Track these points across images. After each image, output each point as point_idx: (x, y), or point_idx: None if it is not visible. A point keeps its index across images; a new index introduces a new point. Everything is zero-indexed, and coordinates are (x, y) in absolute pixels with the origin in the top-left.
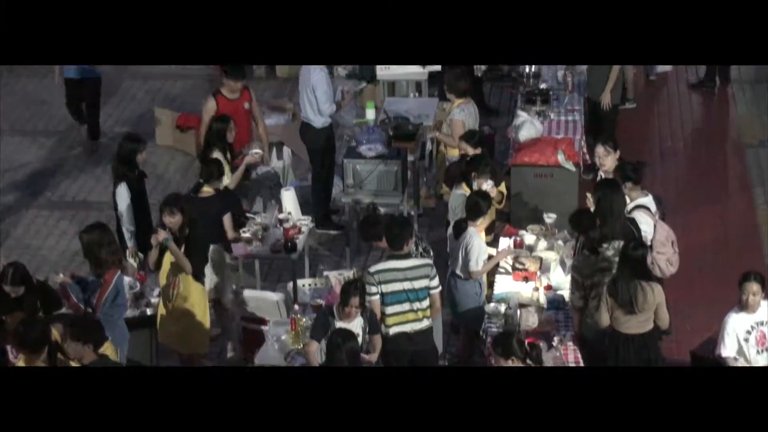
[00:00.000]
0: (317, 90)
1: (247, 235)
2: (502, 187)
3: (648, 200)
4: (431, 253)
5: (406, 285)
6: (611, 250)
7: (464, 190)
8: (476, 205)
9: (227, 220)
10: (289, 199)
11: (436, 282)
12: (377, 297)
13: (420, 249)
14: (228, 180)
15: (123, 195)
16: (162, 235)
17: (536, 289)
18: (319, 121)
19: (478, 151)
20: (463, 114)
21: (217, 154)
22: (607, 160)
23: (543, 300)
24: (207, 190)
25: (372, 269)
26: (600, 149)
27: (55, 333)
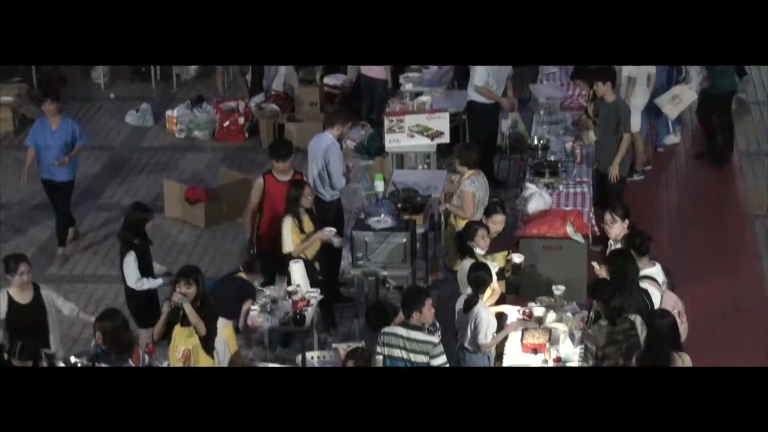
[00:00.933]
0: (331, 164)
1: (256, 308)
2: (517, 258)
3: (655, 270)
4: (437, 327)
5: (404, 355)
6: (626, 322)
7: (472, 261)
8: (477, 277)
9: (246, 306)
10: (297, 271)
11: (437, 361)
12: (380, 358)
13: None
14: (291, 247)
15: (131, 265)
16: (177, 296)
17: (545, 361)
18: (328, 194)
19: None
20: (474, 186)
21: (290, 221)
22: (614, 228)
23: None
24: (240, 276)
25: (383, 329)
26: (607, 216)
27: None
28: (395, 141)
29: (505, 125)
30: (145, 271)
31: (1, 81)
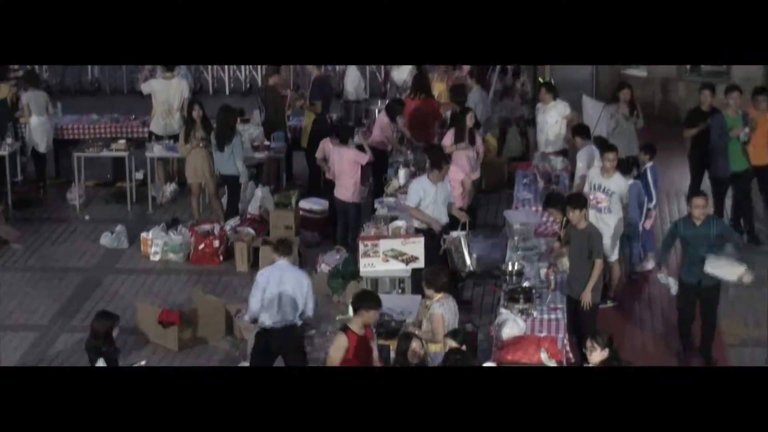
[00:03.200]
0: (309, 297)
1: None
2: None
3: None
4: None
5: None
6: None
7: None
8: None
9: None
10: None
11: None
12: None
13: None
14: None
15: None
16: None
17: None
18: (299, 322)
19: (463, 347)
20: (443, 308)
21: None
22: (594, 355)
23: None
24: None
25: None
26: (588, 342)
27: None
28: (370, 265)
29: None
30: None
31: None
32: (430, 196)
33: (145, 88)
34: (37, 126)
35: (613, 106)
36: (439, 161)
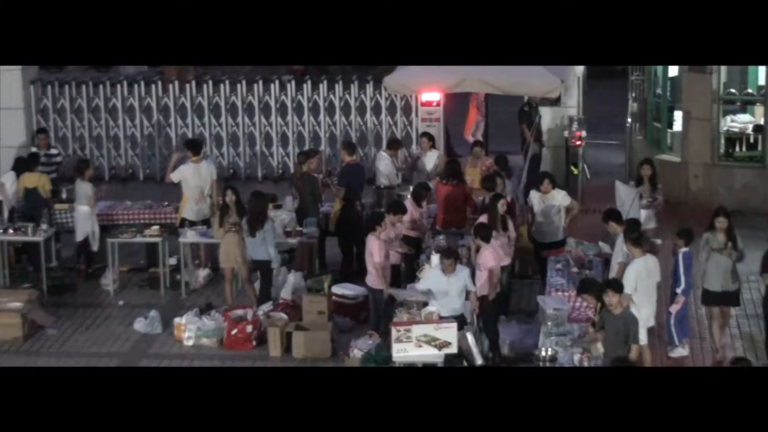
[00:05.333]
0: None
1: None
2: None
3: None
4: None
5: None
6: None
7: None
8: None
9: None
10: None
11: None
12: None
13: None
14: None
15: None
16: None
17: None
18: None
19: None
20: None
21: None
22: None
23: None
24: None
25: None
26: None
27: None
28: (403, 351)
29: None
30: None
31: (11, 287)
32: (441, 285)
33: (175, 176)
34: (80, 216)
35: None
36: (449, 251)
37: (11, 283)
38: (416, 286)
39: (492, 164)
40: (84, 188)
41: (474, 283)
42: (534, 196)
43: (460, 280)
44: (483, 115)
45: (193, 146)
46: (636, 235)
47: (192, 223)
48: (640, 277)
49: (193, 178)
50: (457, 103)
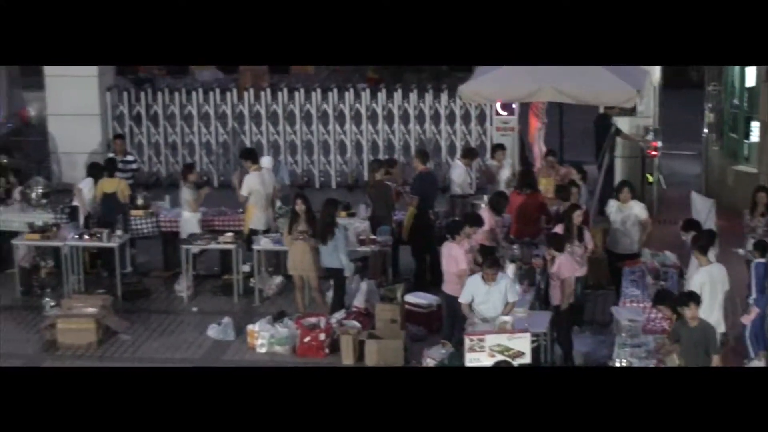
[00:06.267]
0: None
1: None
2: None
3: None
4: None
5: None
6: None
7: None
8: None
9: None
10: None
11: None
12: None
13: None
14: None
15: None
16: None
17: None
18: None
19: None
20: None
21: None
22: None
23: None
24: None
25: None
26: None
27: None
28: (476, 361)
29: None
30: None
31: (86, 292)
32: (480, 295)
33: (245, 190)
34: (184, 221)
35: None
36: (492, 260)
37: (86, 288)
38: (460, 299)
39: (567, 173)
40: (186, 193)
41: (550, 294)
42: (612, 205)
43: (501, 289)
44: (544, 123)
45: (250, 155)
46: (702, 243)
47: (265, 232)
48: (705, 286)
49: (260, 186)
50: (521, 113)
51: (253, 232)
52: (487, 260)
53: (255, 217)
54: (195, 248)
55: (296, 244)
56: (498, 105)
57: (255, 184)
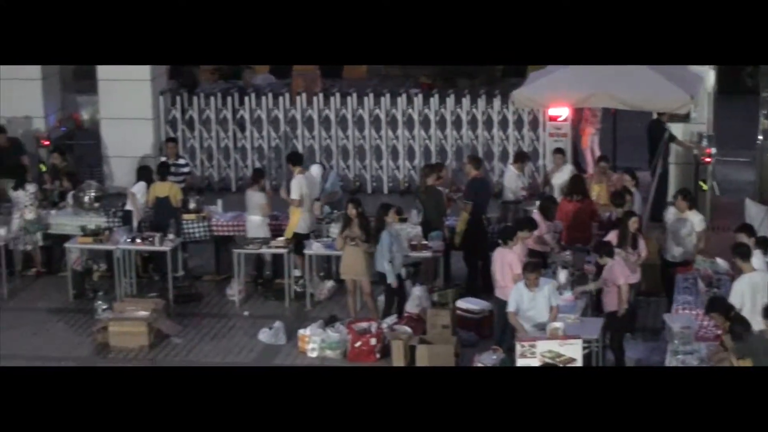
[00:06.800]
0: None
1: None
2: None
3: None
4: None
5: None
6: None
7: None
8: None
9: None
10: None
11: None
12: None
13: None
14: None
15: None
16: None
17: None
18: None
19: None
20: None
21: None
22: None
23: None
24: None
25: None
26: None
27: None
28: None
29: None
30: None
31: (138, 296)
32: (525, 302)
33: (294, 193)
34: (252, 225)
35: None
36: (532, 265)
37: (138, 292)
38: (507, 308)
39: (618, 179)
40: (257, 198)
41: (602, 300)
42: (670, 212)
43: (545, 293)
44: (597, 129)
45: (295, 159)
46: (744, 249)
47: (305, 237)
48: (746, 294)
49: (306, 189)
50: (574, 119)
51: (297, 236)
52: (528, 265)
53: (300, 221)
54: (248, 251)
55: (349, 248)
56: (550, 111)
57: (304, 185)
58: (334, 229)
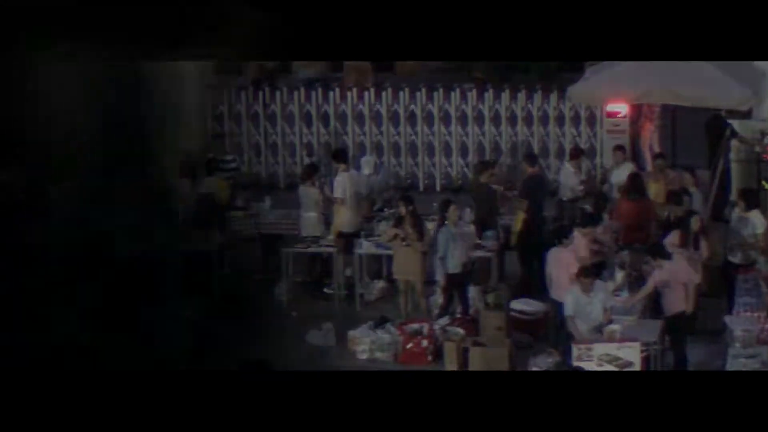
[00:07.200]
0: None
1: None
2: None
3: None
4: None
5: None
6: None
7: None
8: None
9: None
10: None
11: None
12: None
13: None
14: None
15: None
16: None
17: None
18: None
19: None
20: None
21: None
22: None
23: None
24: None
25: None
26: None
27: None
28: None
29: None
30: None
31: None
32: (582, 306)
33: (338, 191)
34: (307, 222)
35: None
36: (584, 269)
37: None
38: (565, 312)
39: (676, 178)
40: (311, 193)
41: (662, 302)
42: (734, 212)
43: (599, 297)
44: (657, 127)
45: (339, 156)
46: None
47: (353, 236)
48: None
49: (350, 186)
50: (633, 116)
51: (344, 235)
52: (581, 270)
53: (345, 219)
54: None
55: (401, 248)
56: (608, 107)
57: (349, 184)
58: (385, 228)
